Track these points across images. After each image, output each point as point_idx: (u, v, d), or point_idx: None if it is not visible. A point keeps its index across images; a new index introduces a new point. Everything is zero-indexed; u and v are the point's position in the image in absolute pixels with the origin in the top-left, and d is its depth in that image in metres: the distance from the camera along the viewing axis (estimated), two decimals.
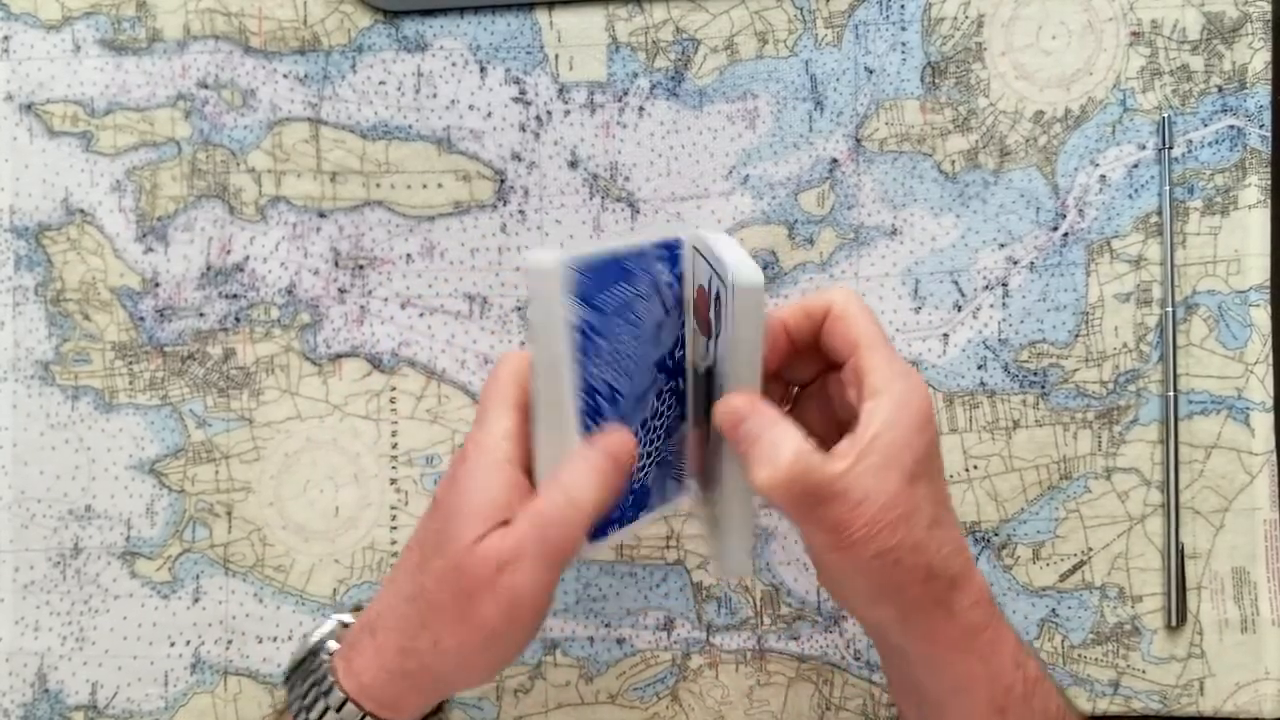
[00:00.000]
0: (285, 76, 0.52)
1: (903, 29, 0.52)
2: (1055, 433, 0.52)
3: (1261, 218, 0.52)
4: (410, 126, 0.52)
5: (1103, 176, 0.52)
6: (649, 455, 0.42)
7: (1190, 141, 0.52)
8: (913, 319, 0.52)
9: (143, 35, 0.52)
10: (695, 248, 0.42)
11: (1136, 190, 0.52)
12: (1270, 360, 0.52)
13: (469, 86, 0.52)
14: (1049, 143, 0.52)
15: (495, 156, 0.52)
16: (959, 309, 0.52)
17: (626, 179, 0.52)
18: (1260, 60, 0.52)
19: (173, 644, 0.52)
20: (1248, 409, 0.52)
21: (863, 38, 0.52)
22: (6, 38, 0.52)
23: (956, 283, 0.52)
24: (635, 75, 0.52)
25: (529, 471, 0.40)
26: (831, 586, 0.41)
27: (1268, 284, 0.52)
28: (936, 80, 0.52)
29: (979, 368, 0.52)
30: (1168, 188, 0.52)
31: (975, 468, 0.52)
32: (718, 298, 0.39)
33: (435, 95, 0.52)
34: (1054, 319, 0.52)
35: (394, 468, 0.52)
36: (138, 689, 0.52)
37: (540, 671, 0.52)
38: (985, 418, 0.52)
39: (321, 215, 0.52)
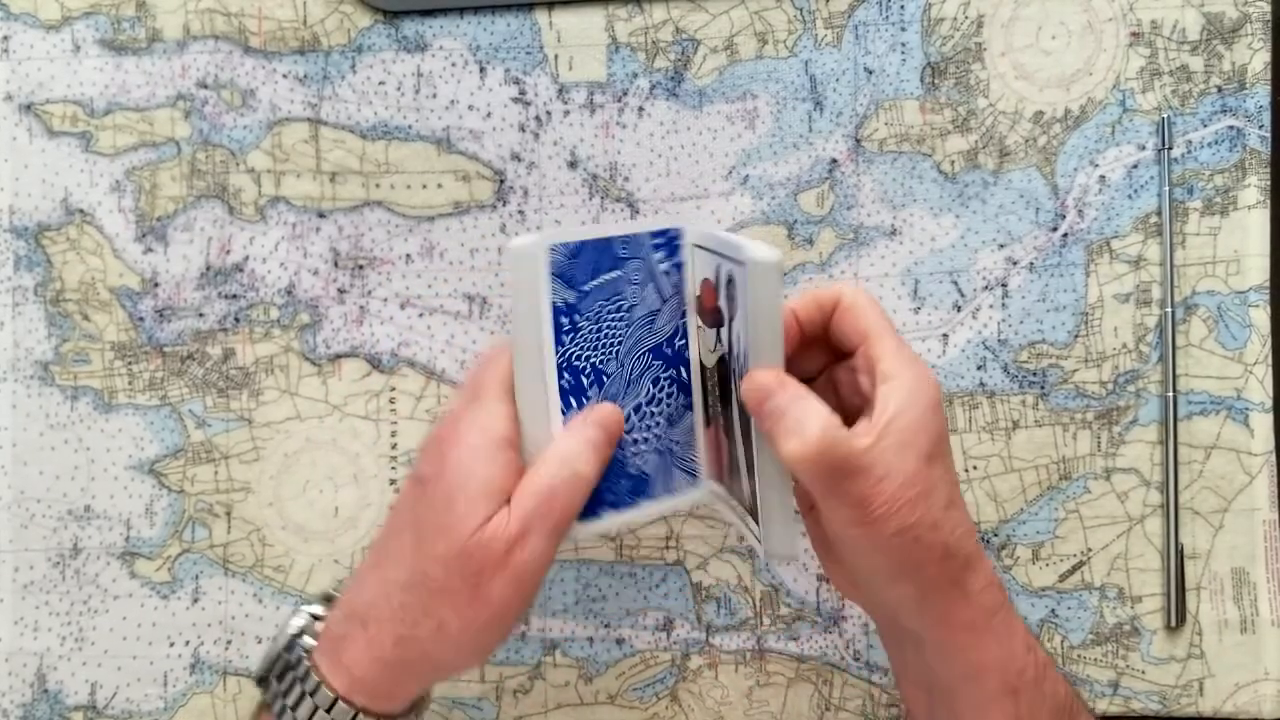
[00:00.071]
0: (285, 76, 0.52)
1: (902, 29, 0.52)
2: (1055, 433, 0.52)
3: (1261, 218, 0.52)
4: (410, 127, 0.52)
5: (1102, 177, 0.52)
6: (645, 441, 0.43)
7: (1190, 142, 0.52)
8: (912, 319, 0.52)
9: (142, 35, 0.52)
10: (695, 245, 0.43)
11: (1136, 190, 0.52)
12: (1269, 361, 0.52)
13: (469, 87, 0.52)
14: (1049, 143, 0.52)
15: (495, 157, 0.52)
16: (958, 309, 0.52)
17: (626, 179, 0.52)
18: (1260, 61, 0.52)
19: (172, 644, 0.52)
20: (1247, 409, 0.52)
21: (862, 38, 0.52)
22: (6, 38, 0.52)
23: (956, 283, 0.52)
24: (635, 75, 0.52)
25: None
26: (850, 569, 0.41)
27: (1267, 284, 0.52)
28: (936, 80, 0.52)
29: (978, 368, 0.52)
30: (1167, 188, 0.52)
31: (975, 468, 0.52)
32: (729, 282, 0.40)
33: (435, 95, 0.52)
34: (1053, 319, 0.52)
35: (393, 468, 0.52)
36: (137, 689, 0.52)
37: (540, 672, 0.52)
38: (985, 418, 0.52)
39: (321, 215, 0.53)
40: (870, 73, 0.52)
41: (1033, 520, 0.52)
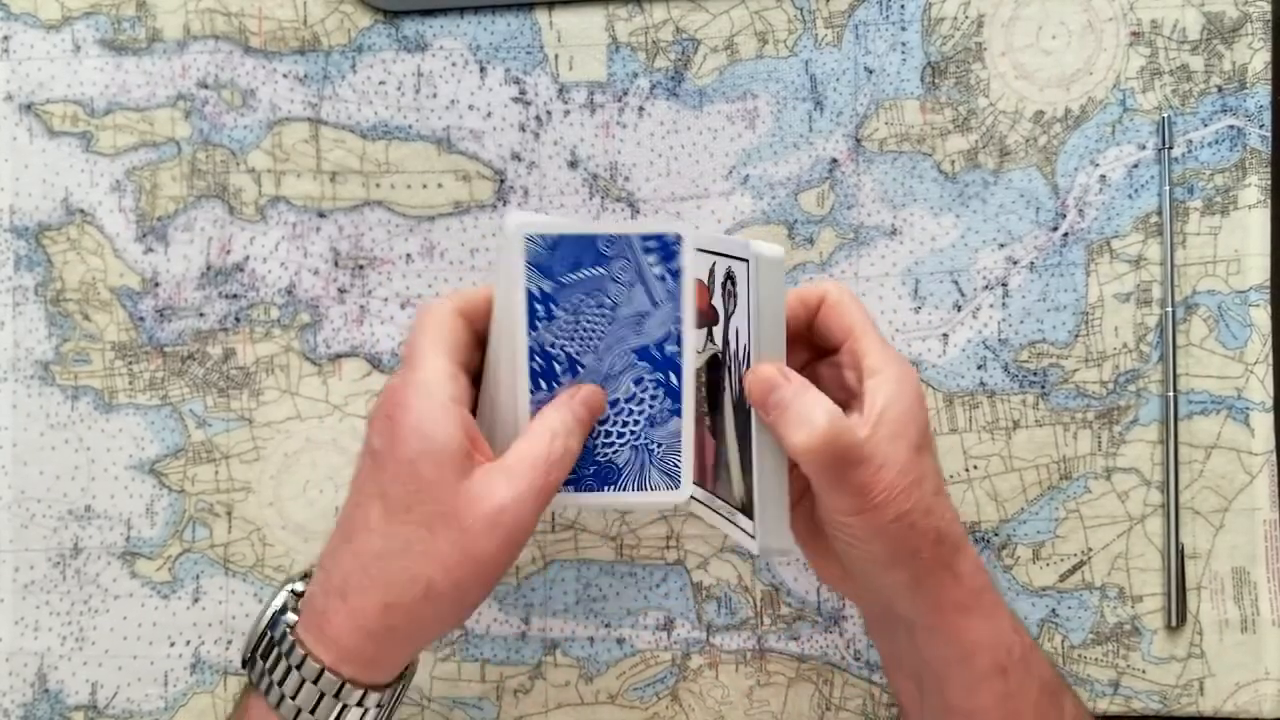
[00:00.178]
0: (285, 76, 0.52)
1: (903, 29, 0.52)
2: (1055, 433, 0.52)
3: (1261, 218, 0.52)
4: (410, 126, 0.52)
5: (1103, 176, 0.52)
6: (620, 436, 0.43)
7: (1190, 141, 0.52)
8: (912, 319, 0.52)
9: (143, 35, 0.52)
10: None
11: (1136, 190, 0.52)
12: (1270, 360, 0.52)
13: (469, 86, 0.52)
14: (1049, 143, 0.52)
15: (495, 156, 0.52)
16: (959, 309, 0.52)
17: (626, 179, 0.52)
18: (1260, 60, 0.52)
19: (172, 644, 0.52)
20: (1247, 409, 0.52)
21: (863, 38, 0.52)
22: (6, 38, 0.52)
23: (956, 283, 0.52)
24: (635, 75, 0.52)
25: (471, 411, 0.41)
26: (845, 559, 0.42)
27: (1268, 284, 0.52)
28: (936, 80, 0.52)
29: (979, 368, 0.52)
30: (1168, 188, 0.52)
31: (975, 468, 0.52)
32: (729, 279, 0.41)
33: (435, 95, 0.52)
34: (1054, 319, 0.52)
35: None
36: (138, 689, 0.52)
37: (540, 671, 0.52)
38: (985, 418, 0.52)
39: (321, 215, 0.53)
40: (870, 72, 0.52)
41: (1033, 520, 0.52)
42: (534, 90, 0.52)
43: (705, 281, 0.43)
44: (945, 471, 0.52)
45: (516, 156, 0.52)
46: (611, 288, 0.42)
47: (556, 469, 0.40)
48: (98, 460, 0.52)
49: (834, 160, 0.52)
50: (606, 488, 0.44)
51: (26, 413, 0.52)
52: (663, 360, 0.42)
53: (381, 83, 0.52)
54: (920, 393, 0.41)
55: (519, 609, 0.52)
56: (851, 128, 0.52)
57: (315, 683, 0.39)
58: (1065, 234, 0.52)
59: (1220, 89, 0.52)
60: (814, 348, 0.45)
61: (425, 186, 0.52)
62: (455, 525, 0.39)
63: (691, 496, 0.46)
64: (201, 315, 0.52)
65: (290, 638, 0.40)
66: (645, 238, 0.42)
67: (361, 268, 0.53)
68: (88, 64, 0.52)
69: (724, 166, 0.52)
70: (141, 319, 0.52)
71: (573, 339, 0.43)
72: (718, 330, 0.42)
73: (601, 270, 0.42)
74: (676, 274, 0.42)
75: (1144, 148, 0.52)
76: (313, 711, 0.39)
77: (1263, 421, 0.52)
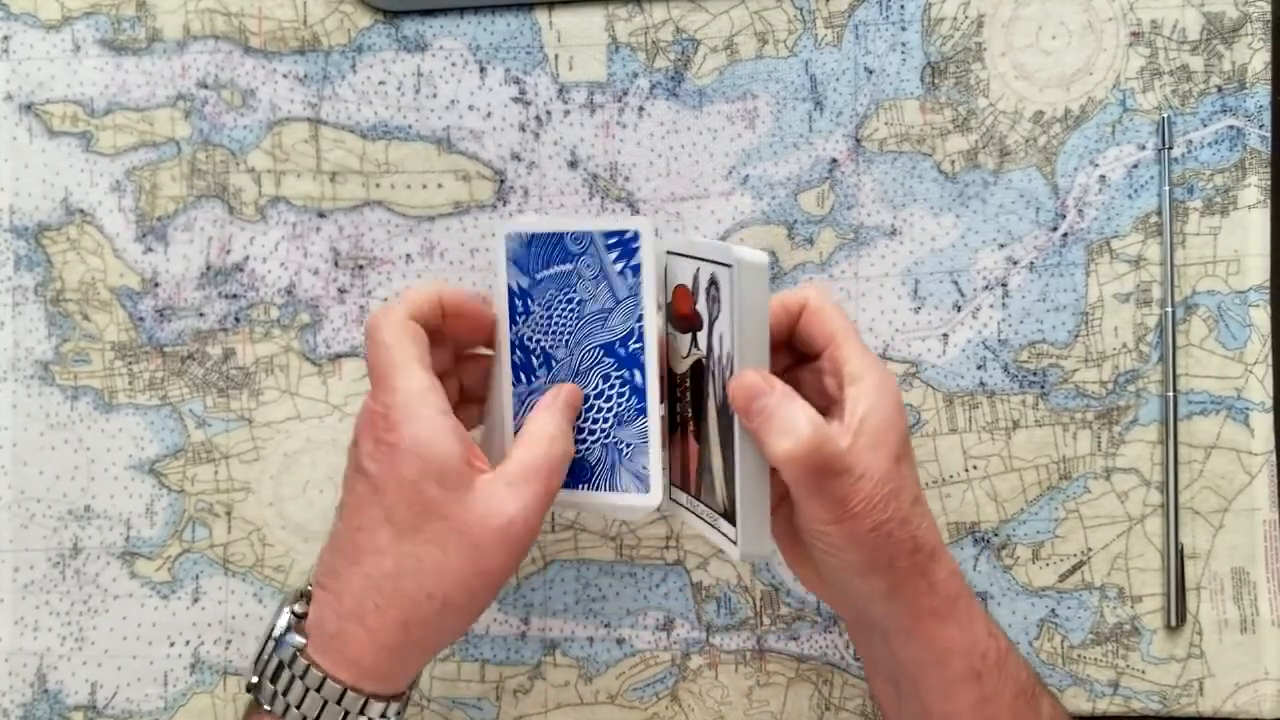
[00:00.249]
0: (285, 76, 0.52)
1: (903, 29, 0.52)
2: (1055, 433, 0.52)
3: (1261, 218, 0.52)
4: (410, 126, 0.52)
5: (1102, 176, 0.52)
6: (591, 434, 0.43)
7: (1190, 142, 0.52)
8: (912, 319, 0.52)
9: (142, 35, 0.52)
10: (670, 252, 0.44)
11: (1136, 190, 0.52)
12: (1270, 360, 0.52)
13: (469, 86, 0.52)
14: (1049, 143, 0.52)
15: (495, 156, 0.52)
16: (959, 309, 0.52)
17: (626, 179, 0.52)
18: (1260, 60, 0.52)
19: (172, 644, 0.52)
20: (1247, 409, 0.52)
21: (863, 38, 0.52)
22: (6, 38, 0.52)
23: (956, 283, 0.52)
24: (635, 75, 0.52)
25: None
26: (822, 566, 0.42)
27: (1267, 284, 0.52)
28: (936, 80, 0.52)
29: (979, 368, 0.52)
30: (1167, 188, 0.52)
31: (975, 468, 0.52)
32: (712, 284, 0.41)
33: (435, 95, 0.52)
34: (1054, 319, 0.52)
35: None
36: (137, 689, 0.52)
37: (540, 672, 0.52)
38: (985, 418, 0.52)
39: (321, 215, 0.53)
40: (870, 72, 0.52)
41: (1033, 520, 0.52)
42: (534, 90, 0.52)
43: (689, 287, 0.43)
44: (945, 471, 0.52)
45: (516, 156, 0.52)
46: (579, 284, 0.43)
47: (556, 475, 0.41)
48: (98, 460, 0.52)
49: (834, 160, 0.52)
50: (581, 486, 0.44)
51: (26, 413, 0.52)
52: (626, 357, 0.42)
53: (381, 83, 0.52)
54: (900, 400, 0.41)
55: (519, 609, 0.52)
56: (851, 128, 0.52)
57: (339, 702, 0.40)
58: (1065, 234, 0.52)
59: (1220, 89, 0.52)
60: (795, 353, 0.45)
61: (425, 187, 0.52)
62: (467, 541, 0.39)
63: (676, 502, 0.46)
64: (201, 315, 0.52)
65: (303, 661, 0.41)
66: (607, 234, 0.42)
67: (361, 268, 0.53)
68: (88, 64, 0.52)
69: (724, 166, 0.52)
70: (141, 319, 0.52)
71: (547, 333, 0.44)
72: (702, 336, 0.42)
73: (570, 266, 0.43)
74: (636, 270, 0.42)
75: (1144, 148, 0.52)
76: None
77: (1262, 422, 0.52)
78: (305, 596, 0.43)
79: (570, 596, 0.52)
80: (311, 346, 0.52)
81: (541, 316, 0.44)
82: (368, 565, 0.40)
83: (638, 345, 0.42)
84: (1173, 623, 0.51)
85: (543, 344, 0.44)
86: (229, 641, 0.52)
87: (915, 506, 0.41)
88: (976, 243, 0.52)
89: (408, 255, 0.52)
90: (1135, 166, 0.52)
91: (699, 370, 0.43)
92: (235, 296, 0.52)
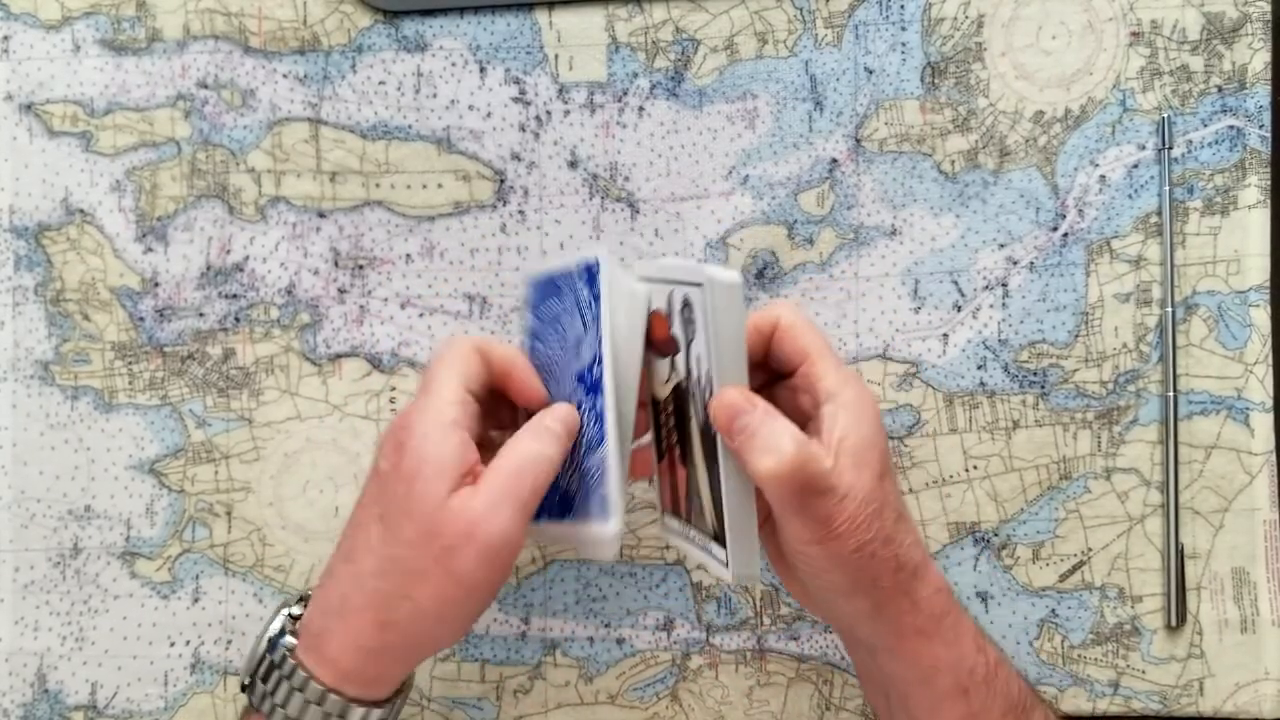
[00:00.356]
0: (285, 76, 0.52)
1: (903, 29, 0.52)
2: (1055, 433, 0.52)
3: (1261, 218, 0.52)
4: (410, 126, 0.52)
5: (1102, 177, 0.52)
6: (570, 461, 0.43)
7: (1190, 142, 0.52)
8: (912, 319, 0.52)
9: (142, 35, 0.52)
10: (642, 278, 0.43)
11: (1136, 190, 0.52)
12: (1270, 360, 0.52)
13: (469, 86, 0.52)
14: (1049, 143, 0.52)
15: (495, 156, 0.52)
16: (959, 309, 0.52)
17: (626, 179, 0.52)
18: (1260, 60, 0.52)
19: (172, 644, 0.52)
20: (1247, 409, 0.52)
21: (863, 38, 0.52)
22: (6, 38, 0.52)
23: (956, 283, 0.52)
24: (635, 75, 0.52)
25: (479, 443, 0.42)
26: (807, 583, 0.42)
27: (1267, 284, 0.52)
28: (936, 80, 0.52)
29: (979, 368, 0.52)
30: (1167, 188, 0.52)
31: (975, 468, 0.52)
32: (685, 306, 0.40)
33: (435, 95, 0.52)
34: (1054, 319, 0.52)
35: None
36: (137, 689, 0.52)
37: (540, 671, 0.52)
38: (985, 418, 0.52)
39: (321, 215, 0.53)
40: (870, 72, 0.52)
41: (1033, 520, 0.52)
42: (534, 90, 0.52)
43: (664, 311, 0.42)
44: (945, 471, 0.52)
45: (516, 156, 0.52)
46: (565, 319, 0.43)
47: (528, 475, 0.40)
48: (98, 460, 0.52)
49: (834, 160, 0.52)
50: (566, 517, 0.44)
51: (26, 413, 0.52)
52: (592, 384, 0.42)
53: (381, 83, 0.52)
54: (878, 415, 0.41)
55: (519, 609, 0.53)
56: (851, 128, 0.52)
57: (319, 704, 0.40)
58: (1065, 234, 0.52)
59: (1220, 89, 0.52)
60: (769, 371, 0.44)
61: (425, 186, 0.52)
62: (437, 543, 0.39)
63: (670, 529, 0.45)
64: (201, 315, 0.52)
65: (290, 661, 0.41)
66: (582, 266, 0.42)
67: (361, 268, 0.53)
68: (88, 64, 0.52)
69: (724, 166, 0.52)
70: (141, 319, 0.52)
71: (545, 368, 0.44)
72: (680, 359, 0.42)
73: (559, 303, 0.43)
74: (597, 297, 0.41)
75: (1144, 148, 0.52)
76: None
77: (1262, 422, 0.52)
78: (305, 600, 0.43)
79: (570, 596, 0.52)
80: (311, 346, 0.52)
81: (542, 351, 0.45)
82: (357, 563, 0.41)
83: (599, 371, 0.42)
84: (1173, 623, 0.51)
85: (546, 380, 0.44)
86: (229, 641, 0.52)
87: (899, 524, 0.40)
88: (976, 243, 0.52)
89: (408, 255, 0.52)
90: (1135, 166, 0.52)
91: (680, 394, 0.42)
92: (235, 296, 0.52)
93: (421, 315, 0.52)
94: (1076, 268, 0.52)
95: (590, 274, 0.42)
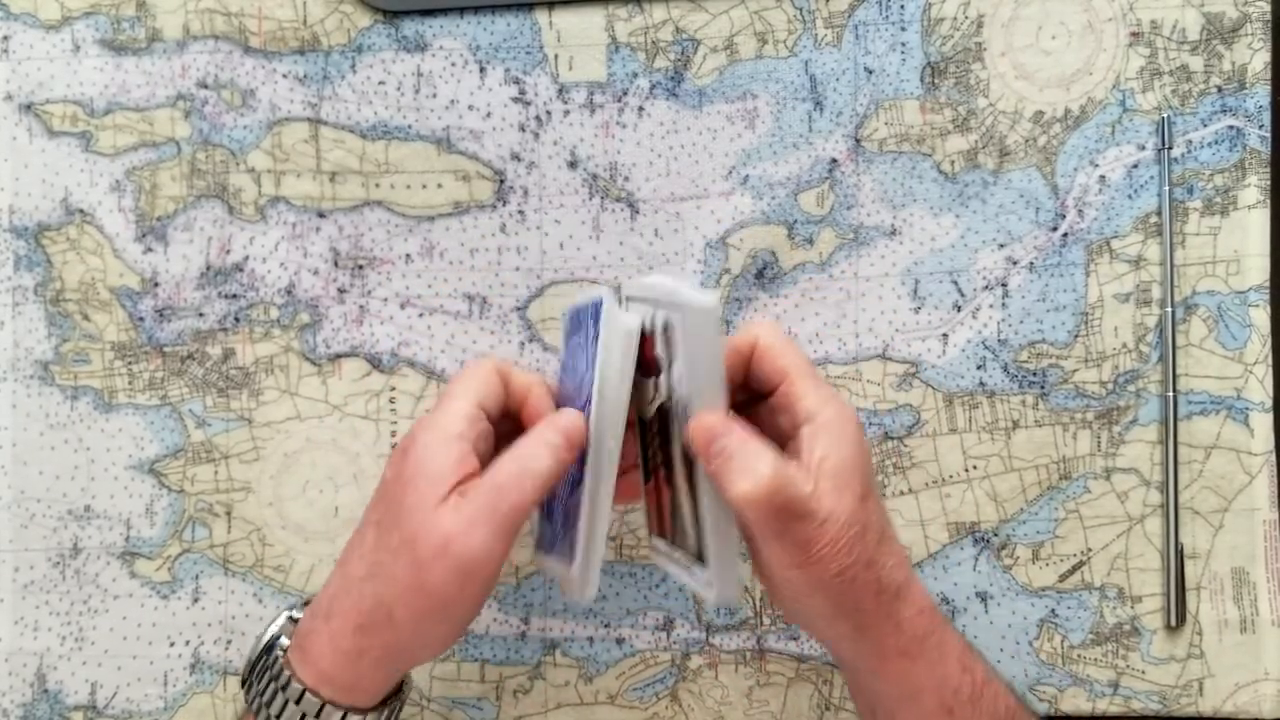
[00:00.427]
0: (285, 76, 0.52)
1: (902, 29, 0.52)
2: (1055, 433, 0.52)
3: (1261, 218, 0.52)
4: (410, 126, 0.52)
5: (1102, 177, 0.52)
6: (557, 497, 0.43)
7: (1190, 142, 0.52)
8: (912, 319, 0.52)
9: (142, 35, 0.52)
10: (629, 296, 0.43)
11: (1136, 190, 0.52)
12: (1269, 360, 0.52)
13: (469, 86, 0.52)
14: (1049, 143, 0.52)
15: (495, 156, 0.52)
16: (958, 309, 0.52)
17: (626, 179, 0.52)
18: (1260, 60, 0.52)
19: (172, 644, 0.52)
20: (1247, 409, 0.52)
21: (862, 38, 0.52)
22: (6, 38, 0.52)
23: (956, 283, 0.52)
24: (635, 75, 0.52)
25: (482, 458, 0.41)
26: (787, 605, 0.41)
27: (1267, 284, 0.52)
28: (936, 80, 0.52)
29: (978, 368, 0.52)
30: (1167, 188, 0.52)
31: (975, 468, 0.52)
32: (666, 328, 0.40)
33: (435, 95, 0.52)
34: (1053, 319, 0.52)
35: None
36: (137, 689, 0.52)
37: (540, 671, 0.52)
38: (985, 418, 0.52)
39: (321, 215, 0.53)
40: (870, 72, 0.52)
41: (1033, 520, 0.52)
42: (534, 90, 0.52)
43: (649, 330, 0.42)
44: (945, 471, 0.52)
45: (516, 156, 0.52)
46: (578, 352, 0.43)
47: (511, 492, 0.39)
48: (97, 460, 0.52)
49: (834, 160, 0.52)
50: (552, 552, 0.44)
51: (26, 413, 0.52)
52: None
53: (381, 83, 0.52)
54: (860, 434, 0.40)
55: (519, 609, 0.52)
56: (851, 128, 0.52)
57: (297, 703, 0.40)
58: (1065, 234, 0.52)
59: (1220, 89, 0.52)
60: (749, 390, 0.43)
61: (425, 186, 0.52)
62: (411, 553, 0.39)
63: (656, 550, 0.45)
64: (201, 315, 0.52)
65: (280, 659, 0.41)
66: (591, 303, 0.42)
67: (361, 268, 0.53)
68: (87, 64, 0.52)
69: (724, 166, 0.52)
70: (141, 319, 0.52)
71: (565, 398, 0.44)
72: (663, 379, 0.41)
73: (578, 337, 0.43)
74: (596, 338, 0.41)
75: (1144, 148, 0.52)
76: None
77: (1262, 422, 0.52)
78: (309, 603, 0.43)
79: None
80: (311, 346, 0.52)
81: (565, 381, 0.45)
82: (349, 565, 0.41)
83: (588, 411, 0.41)
84: (1173, 623, 0.51)
85: (563, 406, 0.44)
86: (229, 641, 0.52)
87: (881, 546, 0.39)
88: (976, 243, 0.52)
89: (407, 255, 0.52)
90: (1135, 166, 0.52)
91: (664, 415, 0.42)
92: (235, 296, 0.52)
93: (421, 315, 0.52)
94: (1076, 268, 0.52)
95: (596, 312, 0.42)
